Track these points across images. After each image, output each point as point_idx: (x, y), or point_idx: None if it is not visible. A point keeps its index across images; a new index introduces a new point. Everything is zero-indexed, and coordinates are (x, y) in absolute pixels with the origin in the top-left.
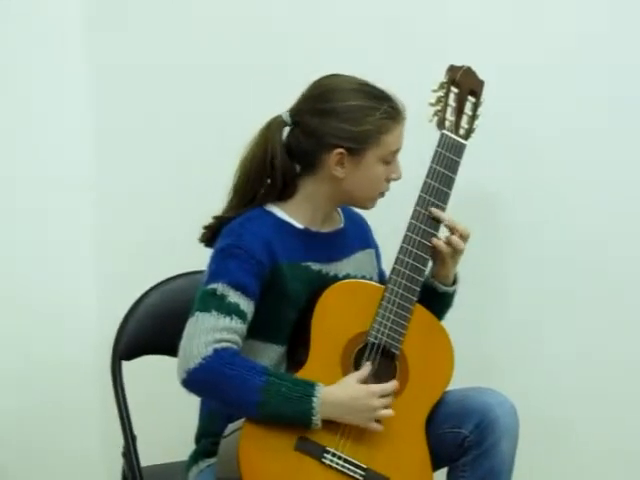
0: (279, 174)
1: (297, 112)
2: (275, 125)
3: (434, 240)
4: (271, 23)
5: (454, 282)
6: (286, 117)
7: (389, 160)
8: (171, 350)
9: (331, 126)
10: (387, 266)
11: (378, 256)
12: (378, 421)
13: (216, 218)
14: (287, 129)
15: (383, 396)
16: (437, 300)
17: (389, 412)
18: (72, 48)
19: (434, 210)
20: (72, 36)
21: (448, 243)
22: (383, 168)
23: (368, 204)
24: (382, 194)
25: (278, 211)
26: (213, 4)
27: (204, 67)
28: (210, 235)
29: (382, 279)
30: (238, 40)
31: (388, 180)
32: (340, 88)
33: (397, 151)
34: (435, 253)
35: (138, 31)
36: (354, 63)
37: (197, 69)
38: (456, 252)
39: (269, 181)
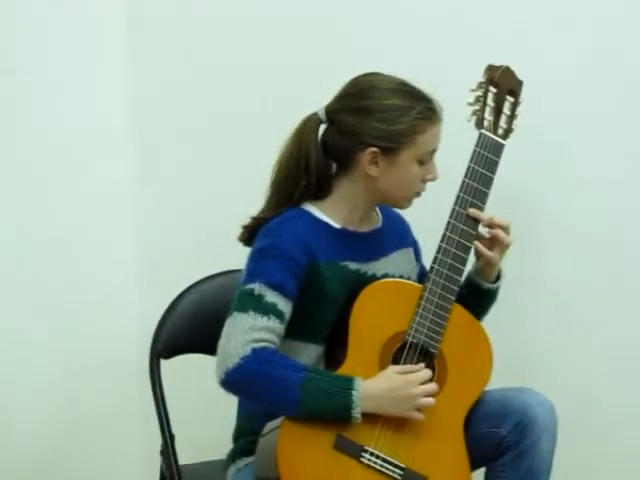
0: (314, 173)
1: (333, 110)
2: (310, 123)
3: (476, 245)
4: (304, 23)
5: (498, 278)
6: (322, 114)
7: (425, 160)
8: (210, 349)
9: (366, 125)
10: (427, 264)
11: (417, 252)
12: (419, 412)
13: (254, 218)
14: (323, 127)
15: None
16: (481, 297)
17: (430, 400)
18: (113, 47)
19: (472, 210)
20: (113, 35)
21: (493, 241)
22: (418, 168)
23: (404, 203)
24: (418, 194)
25: (315, 210)
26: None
27: (241, 67)
28: (248, 235)
29: (423, 275)
30: (273, 40)
31: (424, 180)
32: (377, 87)
33: (433, 152)
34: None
35: (178, 32)
36: (391, 63)
37: (234, 69)
38: (502, 247)
39: (305, 180)
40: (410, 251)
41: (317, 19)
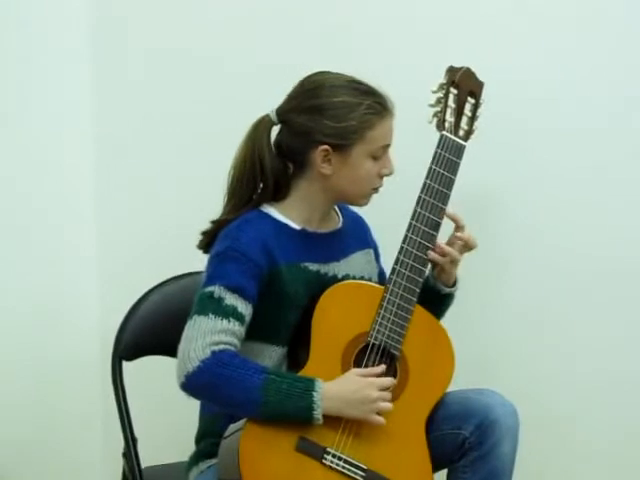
0: (270, 175)
1: (284, 111)
2: (262, 125)
3: (430, 254)
4: (273, 20)
5: (454, 283)
6: (273, 116)
7: (378, 155)
8: (173, 351)
9: (317, 123)
10: (387, 266)
11: (377, 255)
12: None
13: (214, 222)
14: (276, 128)
15: (382, 391)
16: (439, 301)
17: (388, 405)
18: (75, 42)
19: (450, 212)
20: (74, 18)
21: (443, 254)
22: (372, 164)
23: (361, 201)
24: (375, 190)
25: (274, 212)
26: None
27: (209, 64)
28: (208, 241)
29: (382, 278)
30: (245, 37)
31: (380, 176)
32: (326, 85)
33: (387, 147)
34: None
35: (144, 27)
36: (352, 62)
37: (201, 66)
38: (466, 249)
39: (261, 182)
40: (370, 252)
41: (287, 16)
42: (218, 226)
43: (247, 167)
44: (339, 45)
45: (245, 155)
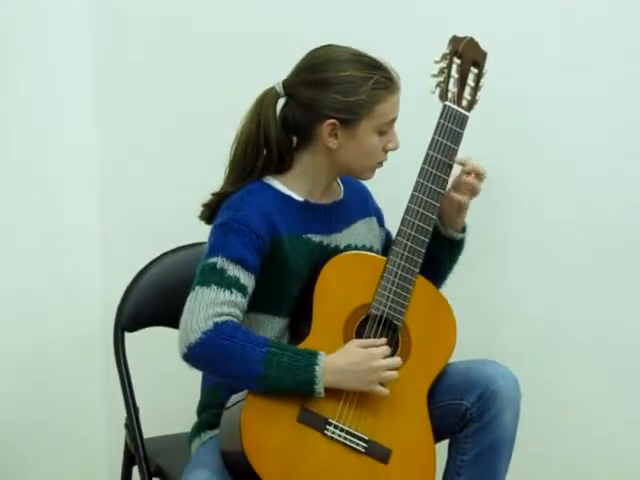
0: (275, 147)
1: (291, 84)
2: (268, 98)
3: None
4: None
5: (464, 229)
6: (279, 89)
7: (384, 130)
8: (175, 322)
9: (324, 97)
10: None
11: (380, 219)
12: (383, 387)
13: (215, 194)
14: (282, 101)
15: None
16: (451, 249)
17: (393, 374)
18: (76, 17)
19: (459, 158)
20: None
21: (464, 188)
22: (378, 138)
23: (366, 174)
24: (380, 164)
25: (277, 184)
26: None
27: (210, 34)
28: (210, 213)
29: (389, 239)
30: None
31: (385, 150)
32: (333, 59)
33: (393, 121)
34: (446, 207)
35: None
36: (354, 33)
37: (202, 36)
38: (472, 195)
39: (265, 155)
40: (372, 220)
41: None
42: (220, 198)
43: (251, 139)
44: (341, 15)
45: (250, 127)
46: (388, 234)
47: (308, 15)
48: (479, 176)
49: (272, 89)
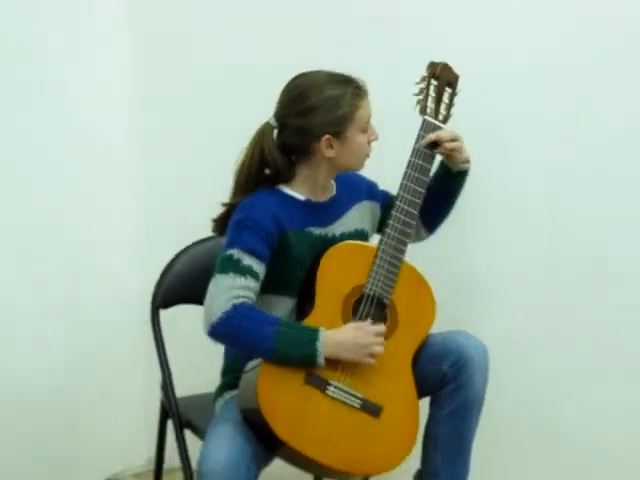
0: (278, 168)
1: (281, 116)
2: (267, 131)
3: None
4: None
5: (467, 160)
6: (273, 122)
7: (366, 128)
8: (199, 300)
9: (314, 121)
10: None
11: (373, 192)
12: (373, 358)
13: (225, 205)
14: (276, 131)
15: (376, 337)
16: (463, 177)
17: (380, 349)
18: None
19: (429, 137)
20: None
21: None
22: (363, 136)
23: (360, 167)
24: (368, 155)
25: (283, 188)
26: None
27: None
28: (222, 225)
29: (388, 198)
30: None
31: (369, 142)
32: (311, 86)
33: (369, 119)
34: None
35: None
36: (351, 64)
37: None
38: (456, 150)
39: (270, 173)
40: (363, 203)
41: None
42: (229, 209)
43: (255, 166)
44: (339, 48)
45: (253, 158)
46: (385, 195)
47: (326, 48)
48: (455, 140)
49: (267, 123)
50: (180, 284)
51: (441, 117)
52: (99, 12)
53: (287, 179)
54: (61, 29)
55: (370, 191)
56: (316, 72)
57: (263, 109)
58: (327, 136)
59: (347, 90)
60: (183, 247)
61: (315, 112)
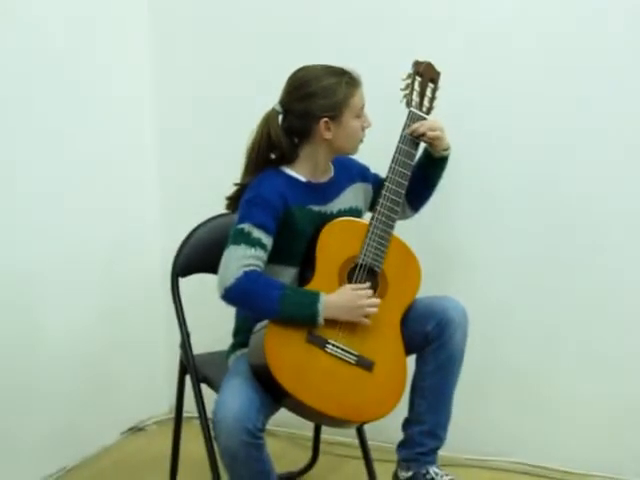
0: (283, 149)
1: (286, 103)
2: (272, 116)
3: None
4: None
5: (447, 148)
6: (278, 108)
7: (360, 114)
8: (214, 270)
9: (314, 105)
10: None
11: (364, 174)
12: (367, 319)
13: (236, 184)
14: (281, 116)
15: (370, 299)
16: (443, 162)
17: (374, 310)
18: None
19: (412, 127)
20: None
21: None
22: (357, 121)
23: (354, 151)
24: (361, 141)
25: (287, 170)
26: None
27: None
28: (234, 203)
29: (379, 180)
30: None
31: (363, 129)
32: (311, 76)
33: (363, 106)
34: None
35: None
36: (349, 59)
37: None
38: (438, 138)
39: (276, 154)
40: (357, 185)
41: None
42: (240, 189)
43: (262, 150)
44: (339, 46)
45: (261, 142)
46: (376, 177)
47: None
48: (437, 129)
49: (273, 109)
50: (197, 255)
51: (425, 109)
52: (117, 11)
53: (291, 160)
54: (77, 28)
55: (363, 174)
56: (315, 65)
57: (273, 101)
58: (325, 119)
59: (342, 79)
60: (200, 222)
61: (315, 97)
